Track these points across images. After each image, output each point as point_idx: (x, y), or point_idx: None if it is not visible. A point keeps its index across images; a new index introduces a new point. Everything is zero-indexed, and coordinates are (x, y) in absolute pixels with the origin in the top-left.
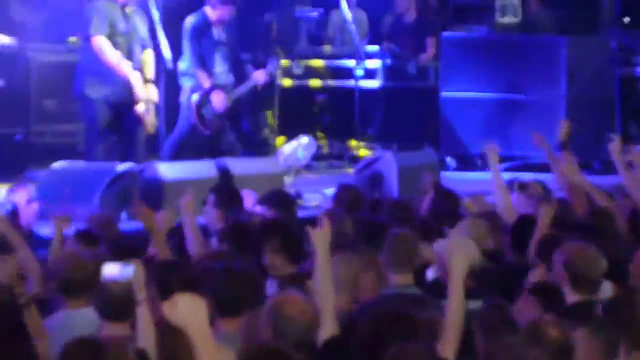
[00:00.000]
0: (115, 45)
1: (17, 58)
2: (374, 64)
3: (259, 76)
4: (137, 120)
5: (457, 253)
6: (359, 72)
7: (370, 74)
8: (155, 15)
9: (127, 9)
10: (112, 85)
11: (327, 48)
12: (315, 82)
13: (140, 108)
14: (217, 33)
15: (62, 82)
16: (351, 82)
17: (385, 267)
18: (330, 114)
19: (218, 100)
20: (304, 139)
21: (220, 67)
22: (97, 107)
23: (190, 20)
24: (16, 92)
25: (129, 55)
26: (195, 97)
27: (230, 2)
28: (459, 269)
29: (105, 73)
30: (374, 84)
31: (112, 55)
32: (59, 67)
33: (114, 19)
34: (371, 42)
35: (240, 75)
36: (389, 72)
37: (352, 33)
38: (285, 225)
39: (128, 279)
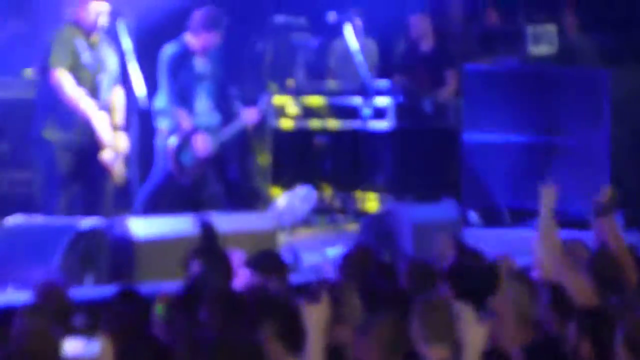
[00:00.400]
0: (78, 80)
1: None
2: (384, 101)
3: (249, 115)
4: (104, 168)
5: (474, 325)
6: (367, 111)
7: (379, 113)
8: (126, 44)
9: (93, 38)
10: (74, 128)
11: (329, 83)
12: (315, 123)
13: (106, 156)
14: (200, 64)
15: (15, 122)
16: (357, 123)
17: (418, 341)
18: (333, 160)
19: (201, 144)
20: (302, 190)
21: (203, 104)
22: (57, 152)
23: (167, 50)
24: None
25: (95, 92)
26: (173, 140)
27: (215, 27)
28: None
29: (66, 113)
30: (383, 124)
31: (73, 92)
32: (12, 104)
33: (77, 49)
34: (381, 76)
35: (227, 114)
36: (402, 111)
37: (358, 65)
38: (284, 305)
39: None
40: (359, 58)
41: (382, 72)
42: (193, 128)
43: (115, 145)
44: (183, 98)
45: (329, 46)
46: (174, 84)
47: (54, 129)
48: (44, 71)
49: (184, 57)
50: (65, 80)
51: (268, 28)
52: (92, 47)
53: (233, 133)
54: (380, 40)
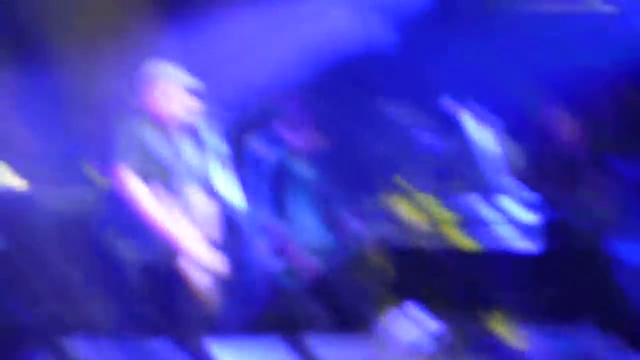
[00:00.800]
0: (152, 182)
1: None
2: (526, 215)
3: (364, 231)
4: (188, 292)
5: None
6: (504, 227)
7: (520, 229)
8: (213, 141)
9: (172, 131)
10: (149, 241)
11: (458, 192)
12: (440, 239)
13: (195, 277)
14: (303, 169)
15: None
16: (493, 241)
17: None
18: (462, 283)
19: (307, 268)
20: (421, 315)
21: (308, 218)
22: (127, 272)
23: (263, 151)
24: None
25: (175, 197)
26: (273, 262)
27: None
28: None
29: (139, 222)
30: (524, 244)
31: (143, 195)
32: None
33: (150, 145)
34: (524, 183)
35: (338, 230)
36: (547, 227)
37: (496, 171)
38: None
39: None
40: (498, 162)
41: (526, 180)
42: (297, 248)
43: (203, 264)
44: (283, 211)
45: (461, 147)
46: (271, 193)
47: (124, 242)
48: (109, 172)
49: (284, 160)
50: (132, 180)
51: (384, 123)
52: (170, 143)
53: (346, 254)
54: (525, 139)
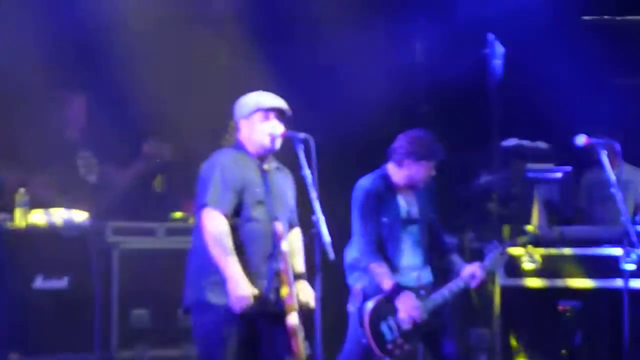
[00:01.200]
0: (248, 221)
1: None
2: None
3: (472, 273)
4: (283, 340)
5: None
6: (630, 265)
7: None
8: (308, 175)
9: (267, 165)
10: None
11: (578, 228)
12: (560, 282)
13: (291, 320)
14: (405, 204)
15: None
16: (617, 282)
17: None
18: (584, 330)
19: (406, 310)
20: None
21: (409, 257)
22: (222, 317)
23: (363, 184)
24: (85, 299)
25: (269, 241)
26: (369, 305)
27: (426, 156)
28: None
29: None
30: None
31: (224, 240)
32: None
33: (246, 180)
34: None
35: (441, 271)
36: None
37: (618, 203)
38: None
39: None
40: (620, 195)
41: None
42: (396, 288)
43: (299, 301)
44: (382, 248)
45: (579, 179)
46: (369, 229)
47: (217, 288)
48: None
49: (384, 194)
50: (223, 227)
51: (496, 155)
52: (265, 177)
53: (450, 296)
54: None
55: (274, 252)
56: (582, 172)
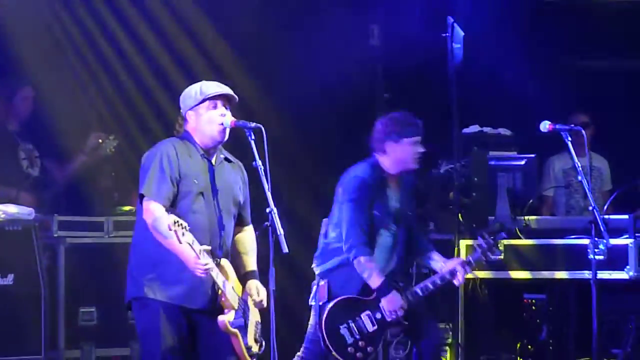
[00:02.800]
0: (188, 212)
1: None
2: (620, 241)
3: (452, 269)
4: (221, 337)
5: None
6: (597, 256)
7: (614, 259)
8: (261, 166)
9: (214, 157)
10: (183, 283)
11: (543, 217)
12: (522, 274)
13: (225, 319)
14: (394, 196)
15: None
16: (584, 273)
17: None
18: (550, 324)
19: (394, 310)
20: None
21: (388, 251)
22: (158, 313)
23: (357, 173)
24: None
25: (209, 235)
26: (329, 306)
27: (408, 132)
28: None
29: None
30: (621, 275)
31: (167, 230)
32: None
33: (186, 169)
34: (616, 206)
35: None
36: None
37: (587, 191)
38: None
39: None
40: (585, 182)
41: (619, 202)
42: (384, 286)
43: (238, 302)
44: (372, 243)
45: (543, 167)
46: (363, 220)
47: (155, 284)
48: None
49: (378, 185)
50: (158, 213)
51: (456, 143)
52: (212, 170)
53: (431, 291)
54: (612, 156)
55: (216, 246)
56: (546, 160)
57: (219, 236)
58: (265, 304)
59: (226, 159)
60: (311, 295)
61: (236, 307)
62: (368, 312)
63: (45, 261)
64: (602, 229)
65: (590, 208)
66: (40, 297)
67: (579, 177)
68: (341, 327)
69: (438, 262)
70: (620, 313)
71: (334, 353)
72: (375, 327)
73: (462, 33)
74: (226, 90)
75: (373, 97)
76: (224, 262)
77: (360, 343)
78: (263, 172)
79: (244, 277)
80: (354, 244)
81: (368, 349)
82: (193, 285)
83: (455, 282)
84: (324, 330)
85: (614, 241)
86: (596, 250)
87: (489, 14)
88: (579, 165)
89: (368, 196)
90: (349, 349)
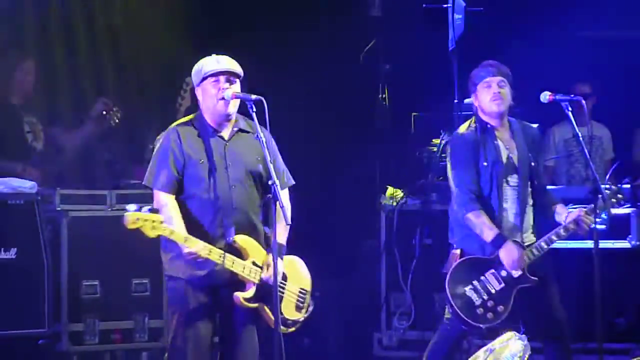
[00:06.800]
0: (194, 196)
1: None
2: (623, 210)
3: (575, 218)
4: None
5: None
6: (599, 225)
7: (618, 227)
8: (263, 138)
9: (225, 131)
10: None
11: None
12: None
13: (241, 295)
14: (505, 147)
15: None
16: (587, 242)
17: None
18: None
19: (513, 262)
20: (516, 344)
21: (510, 206)
22: (182, 288)
23: (457, 131)
24: (34, 270)
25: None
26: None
27: (483, 73)
28: None
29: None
30: (624, 244)
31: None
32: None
33: (191, 154)
34: (619, 176)
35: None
36: None
37: (587, 161)
38: None
39: None
40: (586, 152)
41: (621, 171)
42: (498, 238)
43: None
44: (481, 196)
45: (544, 137)
46: (468, 181)
47: (173, 264)
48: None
49: (482, 139)
50: (160, 203)
51: (457, 114)
52: (220, 145)
53: (548, 247)
54: (614, 125)
55: (226, 223)
56: (547, 130)
57: (230, 214)
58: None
59: (241, 130)
60: None
61: (256, 282)
62: (492, 270)
63: (48, 235)
64: (604, 197)
65: (592, 177)
66: (43, 270)
67: (581, 147)
68: (466, 288)
69: (562, 214)
70: (622, 282)
71: (461, 315)
72: (502, 284)
73: (463, 3)
74: (224, 66)
75: (375, 70)
76: (240, 239)
77: (489, 303)
78: (265, 144)
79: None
80: (461, 203)
81: (498, 308)
82: (212, 263)
83: (580, 231)
84: (448, 294)
85: (615, 211)
86: (598, 219)
87: None
88: (580, 134)
89: (468, 152)
90: (477, 310)
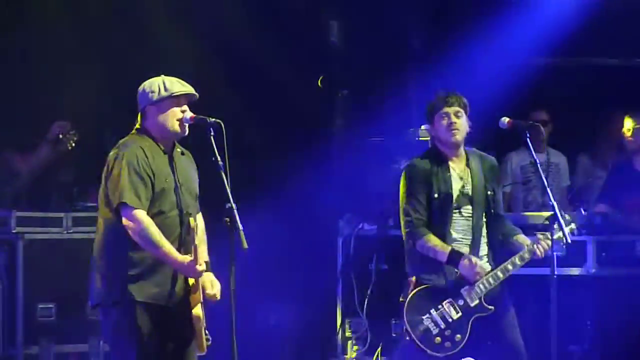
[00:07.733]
0: (160, 213)
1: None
2: (578, 237)
3: (535, 246)
4: (189, 330)
5: None
6: (556, 252)
7: (573, 254)
8: (220, 162)
9: (174, 152)
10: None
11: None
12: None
13: (196, 311)
14: (458, 172)
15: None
16: (543, 269)
17: None
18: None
19: (472, 272)
20: None
21: (463, 234)
22: (134, 310)
23: (409, 160)
24: None
25: (177, 232)
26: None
27: (439, 105)
28: None
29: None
30: (577, 271)
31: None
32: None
33: (156, 169)
34: (573, 202)
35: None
36: (605, 251)
37: (545, 188)
38: None
39: None
40: (544, 179)
41: (576, 197)
42: (454, 254)
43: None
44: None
45: (501, 163)
46: (415, 209)
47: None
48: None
49: (434, 168)
50: (145, 223)
51: (415, 140)
52: (172, 164)
53: (504, 276)
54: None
55: (182, 243)
56: (505, 156)
57: (186, 233)
58: (218, 297)
59: (181, 152)
60: None
61: (201, 300)
62: (449, 299)
63: (4, 257)
64: (561, 224)
65: (550, 203)
66: None
67: (538, 173)
68: (424, 317)
69: (521, 244)
70: (578, 309)
71: (420, 345)
72: (460, 313)
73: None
74: (190, 90)
75: (332, 95)
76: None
77: (446, 332)
78: (222, 168)
79: None
80: (410, 233)
81: (456, 337)
82: (170, 283)
83: (536, 257)
84: (406, 323)
85: (572, 238)
86: (557, 248)
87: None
88: (538, 161)
89: (420, 183)
90: (435, 339)
